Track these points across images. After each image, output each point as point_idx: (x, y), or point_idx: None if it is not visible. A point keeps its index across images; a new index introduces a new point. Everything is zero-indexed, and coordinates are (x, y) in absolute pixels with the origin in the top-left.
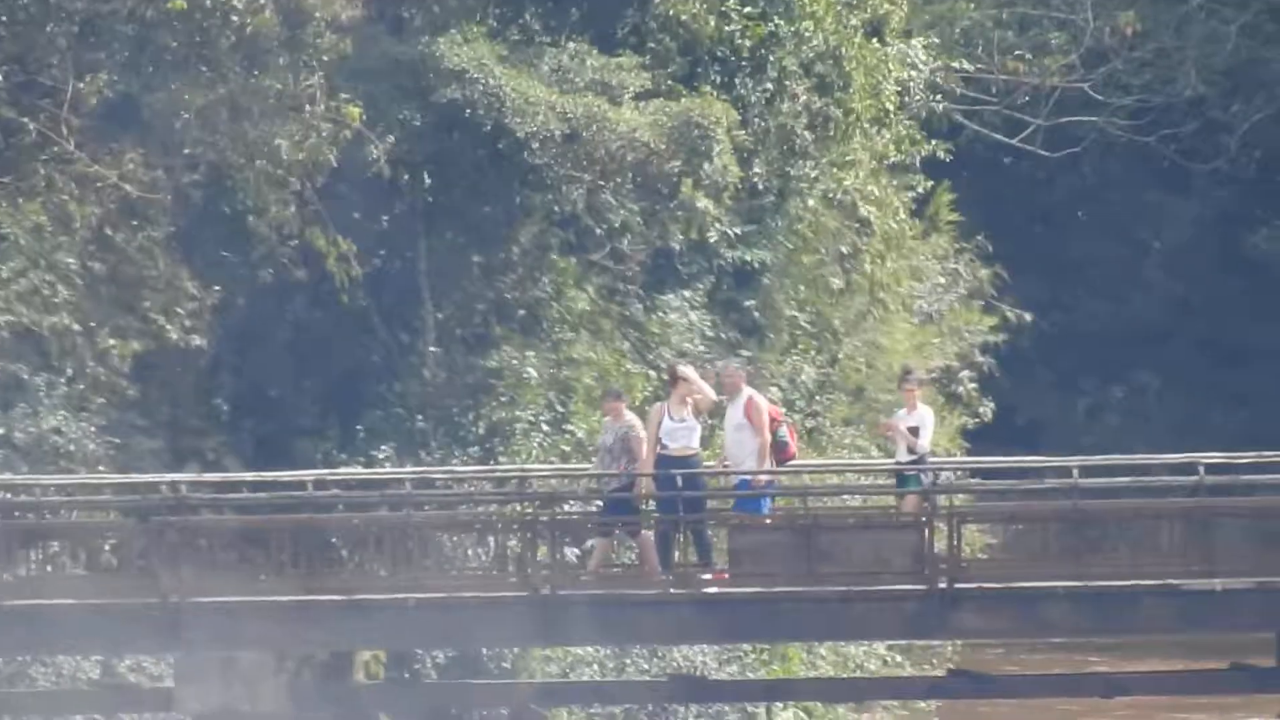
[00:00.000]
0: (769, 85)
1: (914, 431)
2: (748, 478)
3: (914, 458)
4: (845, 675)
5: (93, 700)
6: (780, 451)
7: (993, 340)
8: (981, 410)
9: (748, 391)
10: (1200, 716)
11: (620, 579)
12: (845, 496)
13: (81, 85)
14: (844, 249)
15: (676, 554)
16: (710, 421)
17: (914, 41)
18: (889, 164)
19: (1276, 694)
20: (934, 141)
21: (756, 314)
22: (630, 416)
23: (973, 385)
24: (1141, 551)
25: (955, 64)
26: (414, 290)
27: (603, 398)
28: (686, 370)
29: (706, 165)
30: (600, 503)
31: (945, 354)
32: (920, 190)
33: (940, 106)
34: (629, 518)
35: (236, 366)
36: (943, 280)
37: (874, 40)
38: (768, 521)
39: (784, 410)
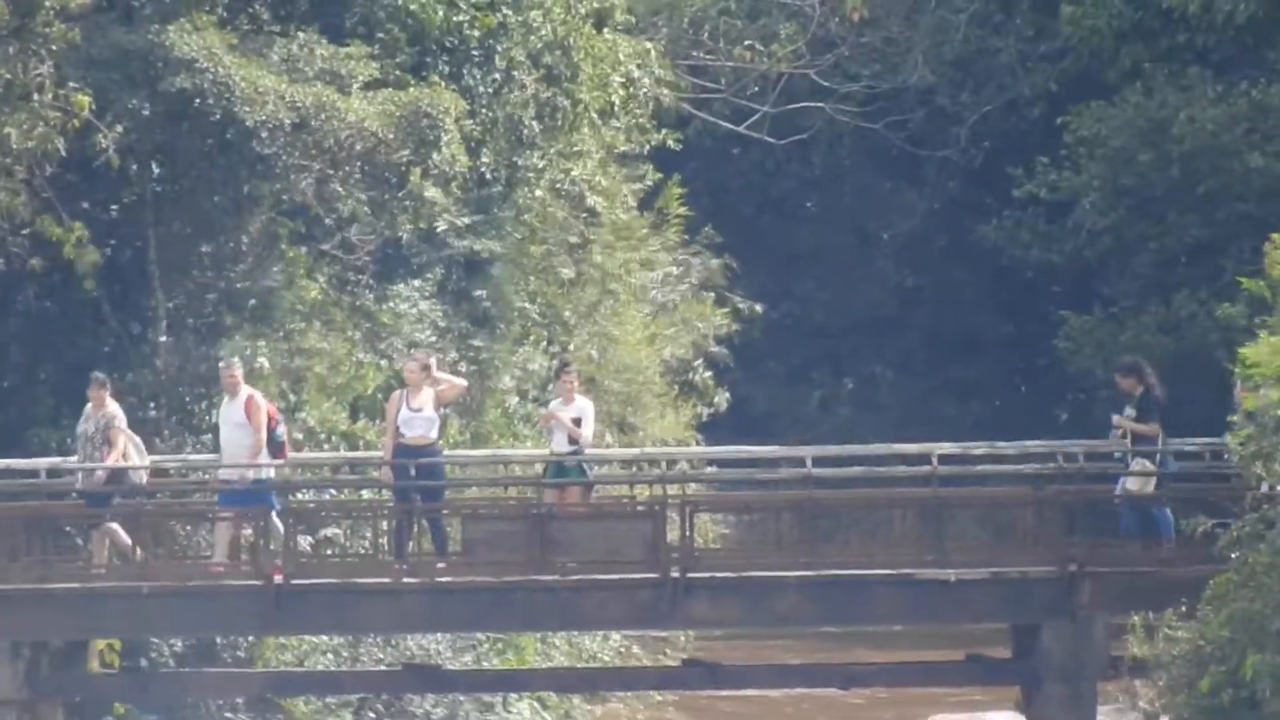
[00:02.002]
0: (497, 75)
1: (576, 422)
2: (261, 476)
3: (575, 448)
4: (579, 665)
5: None
6: (278, 449)
7: (725, 331)
8: (717, 400)
9: (247, 390)
10: (936, 709)
11: (355, 567)
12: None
13: None
14: (573, 239)
15: (411, 544)
16: (445, 412)
17: (645, 42)
18: (618, 154)
19: (1013, 685)
20: (663, 131)
21: (487, 304)
22: (113, 406)
23: (708, 375)
24: (875, 541)
25: (683, 53)
26: (144, 280)
27: (90, 385)
28: (431, 361)
29: (435, 155)
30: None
31: (679, 345)
32: (650, 182)
33: (668, 98)
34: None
35: None
36: (674, 271)
37: (602, 31)
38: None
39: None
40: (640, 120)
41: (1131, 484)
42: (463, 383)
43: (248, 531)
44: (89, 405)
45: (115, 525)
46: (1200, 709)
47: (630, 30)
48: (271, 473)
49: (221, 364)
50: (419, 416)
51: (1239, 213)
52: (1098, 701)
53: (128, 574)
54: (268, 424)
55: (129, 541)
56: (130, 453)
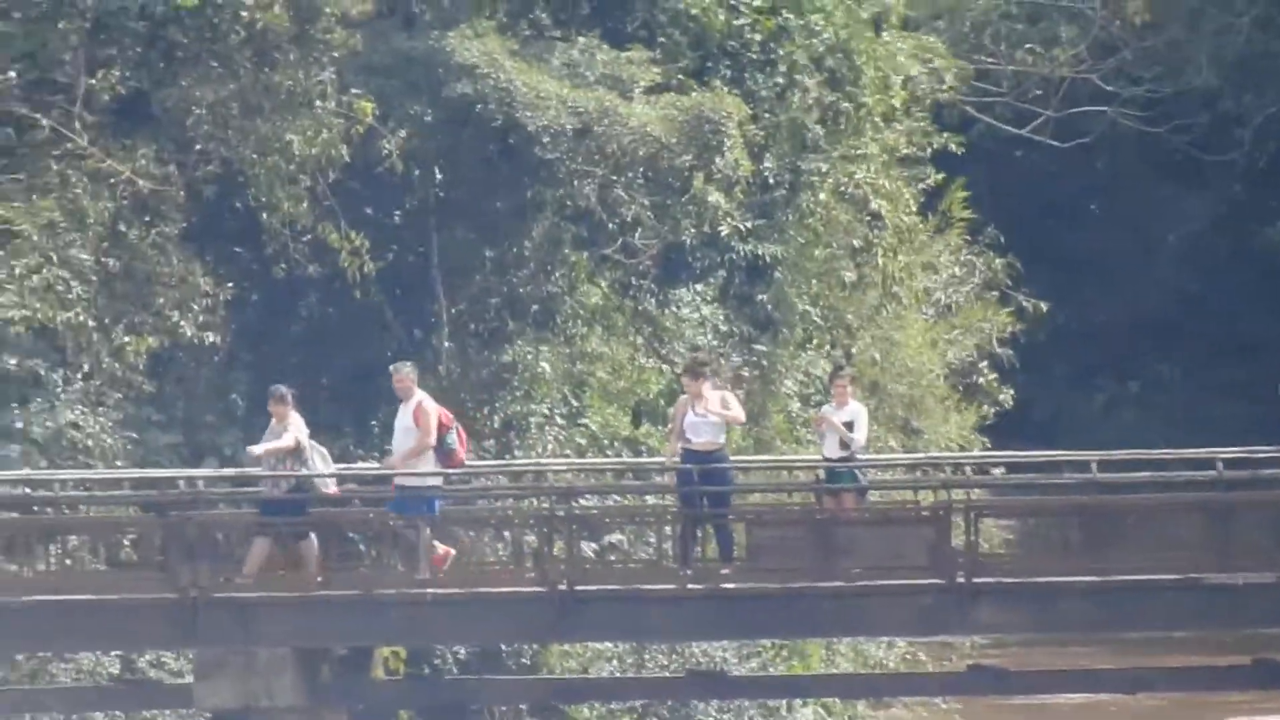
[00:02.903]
0: (779, 79)
1: (849, 426)
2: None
3: (847, 453)
4: (864, 671)
5: (112, 697)
6: (448, 457)
7: (1009, 333)
8: (1001, 398)
9: (419, 395)
10: (1224, 714)
11: (639, 573)
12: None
13: (93, 82)
14: (856, 243)
15: (697, 549)
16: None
17: (927, 38)
18: (900, 157)
19: None
20: (945, 135)
21: (769, 308)
22: (295, 418)
23: (992, 377)
24: (1161, 546)
25: (965, 57)
26: (427, 285)
27: (271, 398)
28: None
29: (718, 159)
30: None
31: (962, 347)
32: (932, 184)
33: (951, 99)
34: (295, 519)
35: (251, 362)
36: (957, 273)
37: (883, 34)
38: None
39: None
40: (922, 123)
41: None
42: (741, 416)
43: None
44: (272, 420)
45: (313, 536)
46: None
47: (912, 32)
48: (440, 480)
49: (392, 369)
50: (704, 422)
51: None
52: None
53: (413, 581)
54: (439, 430)
55: (315, 553)
56: (316, 462)
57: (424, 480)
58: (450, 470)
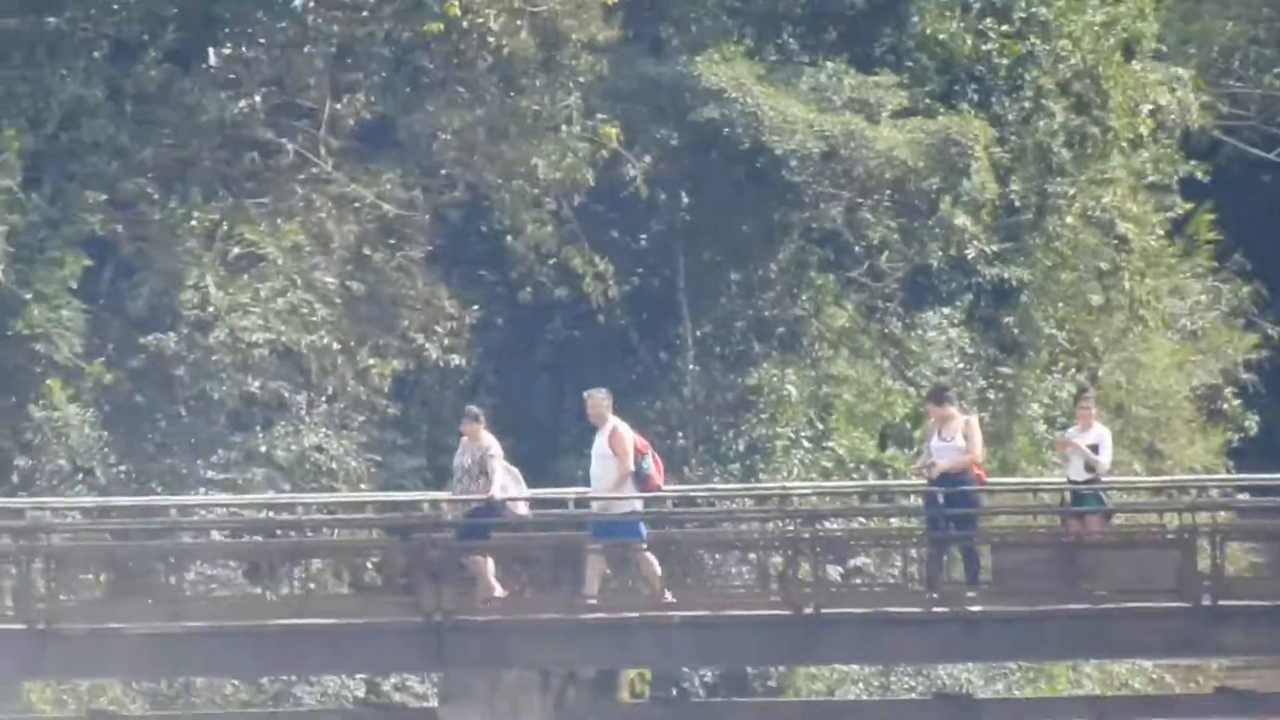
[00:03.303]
0: (1025, 103)
1: (1094, 449)
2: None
3: (1091, 476)
4: (1110, 694)
5: (357, 719)
6: (644, 482)
7: (1255, 358)
8: (1247, 424)
9: (613, 421)
10: None
11: (885, 596)
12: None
13: (339, 106)
14: (1103, 266)
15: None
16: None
17: (1175, 68)
18: (1146, 184)
19: None
20: (1192, 162)
21: (1015, 331)
22: (488, 438)
23: (1237, 403)
24: None
25: (1214, 83)
26: (673, 308)
27: (464, 418)
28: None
29: (964, 182)
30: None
31: (1207, 371)
32: (1178, 212)
33: (1197, 126)
34: (482, 542)
35: (496, 385)
36: (1202, 299)
37: (1131, 61)
38: (644, 548)
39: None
40: (1169, 149)
41: None
42: (976, 454)
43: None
44: (464, 438)
45: (489, 561)
46: None
47: (1160, 59)
48: (639, 505)
49: (586, 395)
50: (950, 446)
51: None
52: None
53: (659, 604)
54: (634, 456)
55: (490, 580)
56: (509, 484)
57: (624, 505)
58: (646, 494)
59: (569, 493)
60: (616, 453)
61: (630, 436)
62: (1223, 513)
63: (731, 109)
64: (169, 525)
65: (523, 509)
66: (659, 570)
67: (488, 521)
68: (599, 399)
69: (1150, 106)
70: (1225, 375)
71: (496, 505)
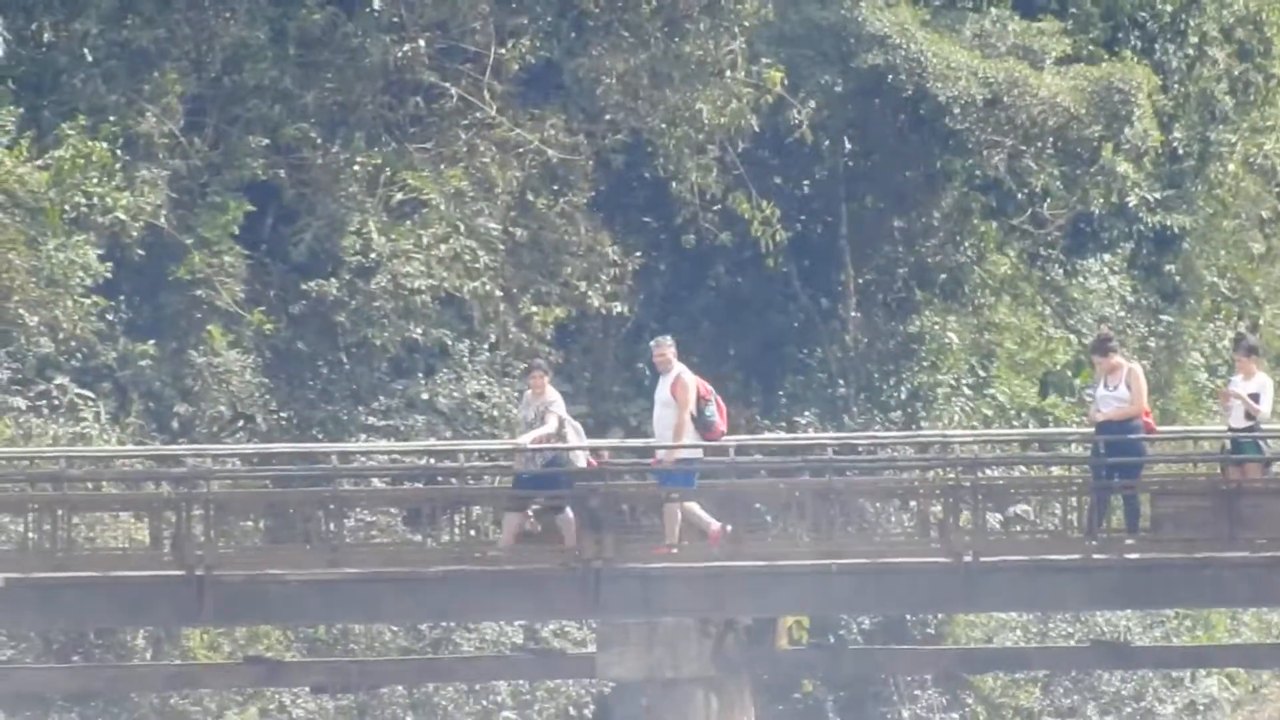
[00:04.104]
0: (1189, 50)
1: (1254, 398)
2: (682, 455)
3: (1251, 424)
4: (1268, 641)
5: (516, 666)
6: (707, 429)
7: None
8: None
9: (678, 368)
10: None
11: (1045, 544)
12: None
13: (503, 51)
14: (1265, 214)
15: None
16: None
17: None
18: None
19: None
20: None
21: (1177, 279)
22: (553, 393)
23: None
24: None
25: None
26: (835, 255)
27: (527, 371)
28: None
29: (1127, 130)
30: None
31: None
32: None
33: None
34: (549, 492)
35: (658, 332)
36: None
37: None
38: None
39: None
40: None
41: None
42: (1136, 408)
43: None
44: (529, 391)
45: (569, 511)
46: None
47: None
48: (700, 452)
49: (652, 343)
50: (1113, 395)
51: None
52: None
53: (818, 551)
54: (698, 402)
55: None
56: (570, 436)
57: (687, 453)
58: (709, 443)
59: (634, 443)
60: (678, 399)
61: (694, 383)
62: None
63: (895, 55)
64: (329, 472)
65: (581, 462)
66: (695, 519)
67: (554, 474)
68: (664, 345)
69: None
70: None
71: (562, 459)
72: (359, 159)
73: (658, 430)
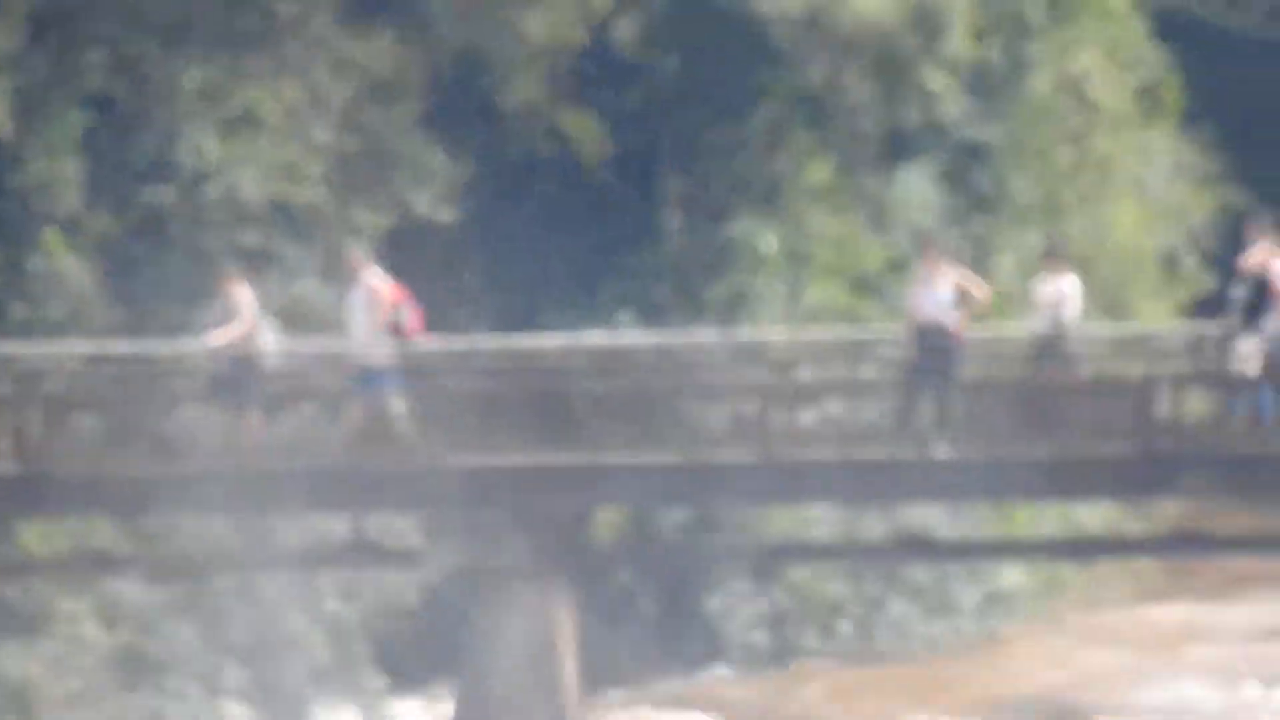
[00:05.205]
0: None
1: (1059, 301)
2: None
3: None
4: (1069, 536)
5: (342, 557)
6: (400, 332)
7: (1217, 221)
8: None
9: (367, 274)
10: None
11: (853, 441)
12: None
13: None
14: (1074, 126)
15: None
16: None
17: None
18: (1119, 52)
19: None
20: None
21: (988, 188)
22: (246, 294)
23: (1192, 262)
24: None
25: None
26: (658, 166)
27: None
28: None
29: (942, 44)
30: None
31: (1170, 233)
32: (1151, 79)
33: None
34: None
35: (483, 241)
36: (1169, 161)
37: None
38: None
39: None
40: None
41: None
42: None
43: None
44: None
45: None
46: None
47: None
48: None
49: (344, 251)
50: (935, 297)
51: None
52: None
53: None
54: (390, 307)
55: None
56: (266, 334)
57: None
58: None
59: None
60: (371, 305)
61: (385, 289)
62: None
63: None
64: (163, 371)
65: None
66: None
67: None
68: (355, 254)
69: None
70: (1188, 238)
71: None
72: (196, 71)
73: (352, 335)
